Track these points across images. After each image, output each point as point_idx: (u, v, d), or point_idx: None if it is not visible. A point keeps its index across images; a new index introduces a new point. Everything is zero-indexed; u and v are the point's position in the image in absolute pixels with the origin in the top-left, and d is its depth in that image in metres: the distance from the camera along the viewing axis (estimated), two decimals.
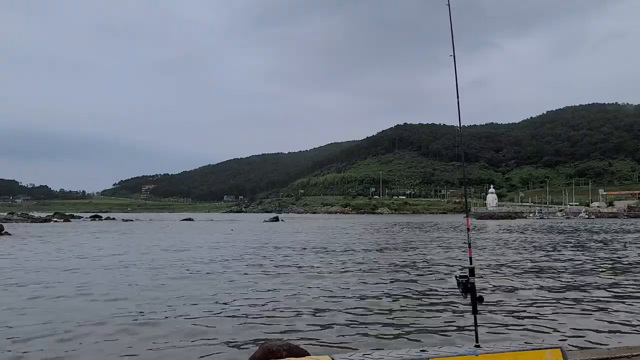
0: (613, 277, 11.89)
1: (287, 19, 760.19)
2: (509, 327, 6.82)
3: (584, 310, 8.01)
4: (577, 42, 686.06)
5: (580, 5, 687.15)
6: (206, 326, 6.95)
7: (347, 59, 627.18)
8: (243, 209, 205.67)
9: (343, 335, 6.44)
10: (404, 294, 9.48)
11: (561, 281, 11.20)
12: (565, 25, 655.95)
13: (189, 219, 72.27)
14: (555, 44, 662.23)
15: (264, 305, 8.45)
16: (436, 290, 9.87)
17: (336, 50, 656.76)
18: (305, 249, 20.60)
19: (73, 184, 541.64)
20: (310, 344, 5.72)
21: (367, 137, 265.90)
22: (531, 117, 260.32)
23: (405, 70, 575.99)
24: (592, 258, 16.63)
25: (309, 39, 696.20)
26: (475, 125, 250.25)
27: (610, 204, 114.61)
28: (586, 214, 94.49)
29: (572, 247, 21.78)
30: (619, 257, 16.99)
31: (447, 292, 9.61)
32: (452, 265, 14.30)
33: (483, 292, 8.81)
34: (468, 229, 3.97)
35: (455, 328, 6.74)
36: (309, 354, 4.14)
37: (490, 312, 7.70)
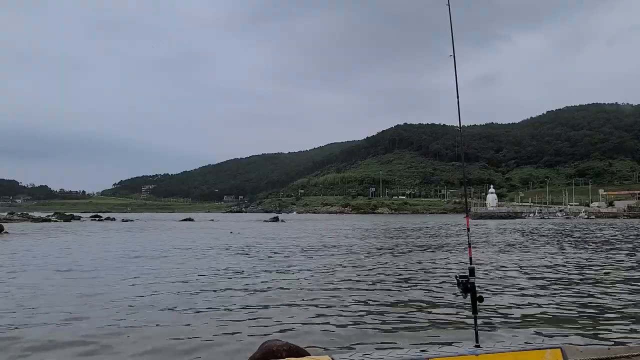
0: (613, 277, 11.88)
1: (287, 17, 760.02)
2: (509, 327, 6.82)
3: (584, 310, 8.00)
4: (577, 42, 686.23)
5: (581, 5, 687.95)
6: (206, 326, 6.95)
7: (347, 59, 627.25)
8: (243, 209, 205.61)
9: (343, 335, 6.44)
10: (404, 294, 9.48)
11: (561, 281, 11.20)
12: (565, 25, 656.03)
13: (189, 219, 72.20)
14: (555, 44, 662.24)
15: (264, 305, 8.45)
16: (436, 290, 9.87)
17: (336, 50, 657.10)
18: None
19: (73, 184, 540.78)
20: (310, 344, 5.72)
21: (367, 137, 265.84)
22: (531, 117, 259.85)
23: (406, 70, 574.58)
24: (593, 258, 16.63)
25: (309, 39, 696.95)
26: (475, 125, 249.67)
27: (610, 204, 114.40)
28: (586, 214, 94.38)
29: (574, 247, 21.76)
30: (619, 258, 16.98)
31: (446, 292, 9.61)
32: (452, 268, 14.29)
33: (483, 292, 8.82)
34: (468, 229, 3.98)
35: (455, 328, 6.74)
36: (309, 354, 4.14)
37: (491, 312, 7.70)
